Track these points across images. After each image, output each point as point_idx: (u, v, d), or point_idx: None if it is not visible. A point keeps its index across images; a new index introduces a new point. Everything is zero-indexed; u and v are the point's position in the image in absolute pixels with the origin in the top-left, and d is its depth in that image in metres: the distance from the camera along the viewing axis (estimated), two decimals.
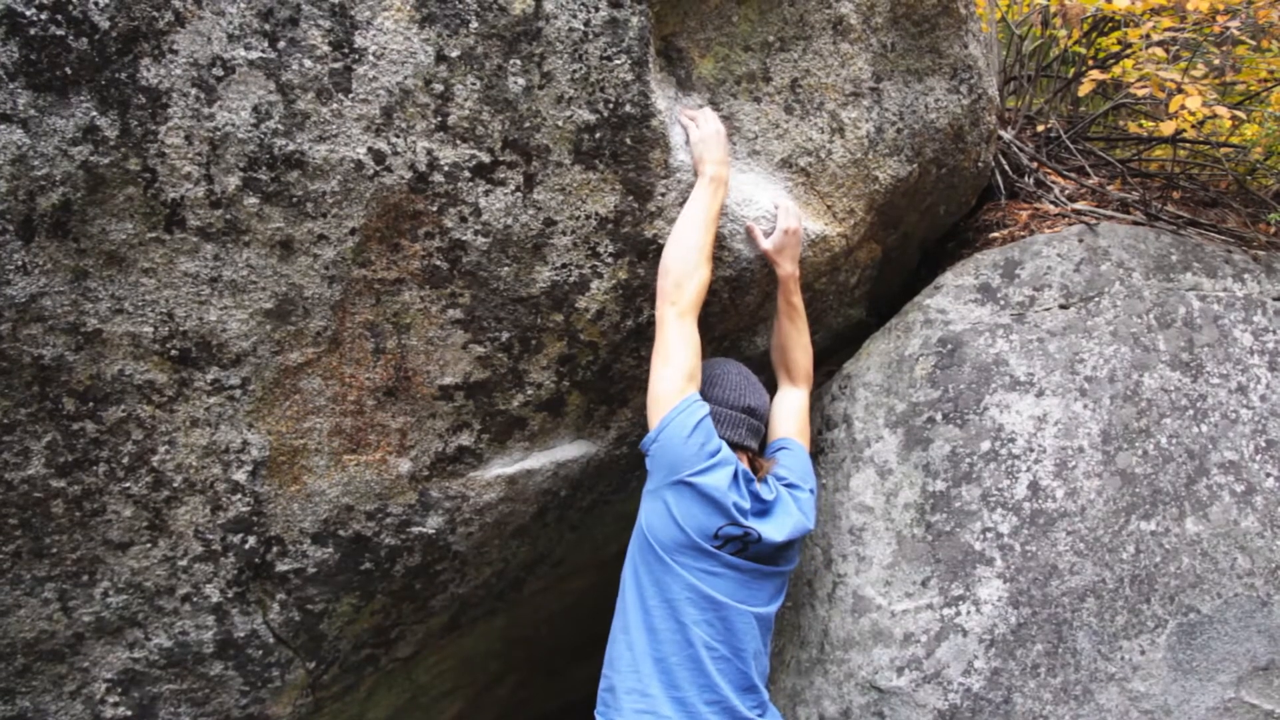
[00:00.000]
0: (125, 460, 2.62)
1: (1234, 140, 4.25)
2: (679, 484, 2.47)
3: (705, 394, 2.62)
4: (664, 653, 2.49)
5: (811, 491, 2.79)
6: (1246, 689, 2.89)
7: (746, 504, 2.52)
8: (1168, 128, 3.65)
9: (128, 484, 2.64)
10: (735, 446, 2.63)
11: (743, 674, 2.55)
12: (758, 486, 2.61)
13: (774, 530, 2.58)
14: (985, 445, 3.10)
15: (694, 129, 2.70)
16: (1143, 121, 4.83)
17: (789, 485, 2.73)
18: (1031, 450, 3.08)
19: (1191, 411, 3.11)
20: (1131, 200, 3.71)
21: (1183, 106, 3.38)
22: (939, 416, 3.16)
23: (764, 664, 2.66)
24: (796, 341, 2.98)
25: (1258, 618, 2.93)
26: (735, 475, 2.51)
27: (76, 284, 2.42)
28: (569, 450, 3.05)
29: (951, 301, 3.32)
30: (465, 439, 2.87)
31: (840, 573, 3.12)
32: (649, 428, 2.55)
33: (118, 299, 2.46)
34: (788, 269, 2.90)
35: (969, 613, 2.97)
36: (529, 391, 2.86)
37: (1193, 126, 3.93)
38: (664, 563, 2.50)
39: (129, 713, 2.89)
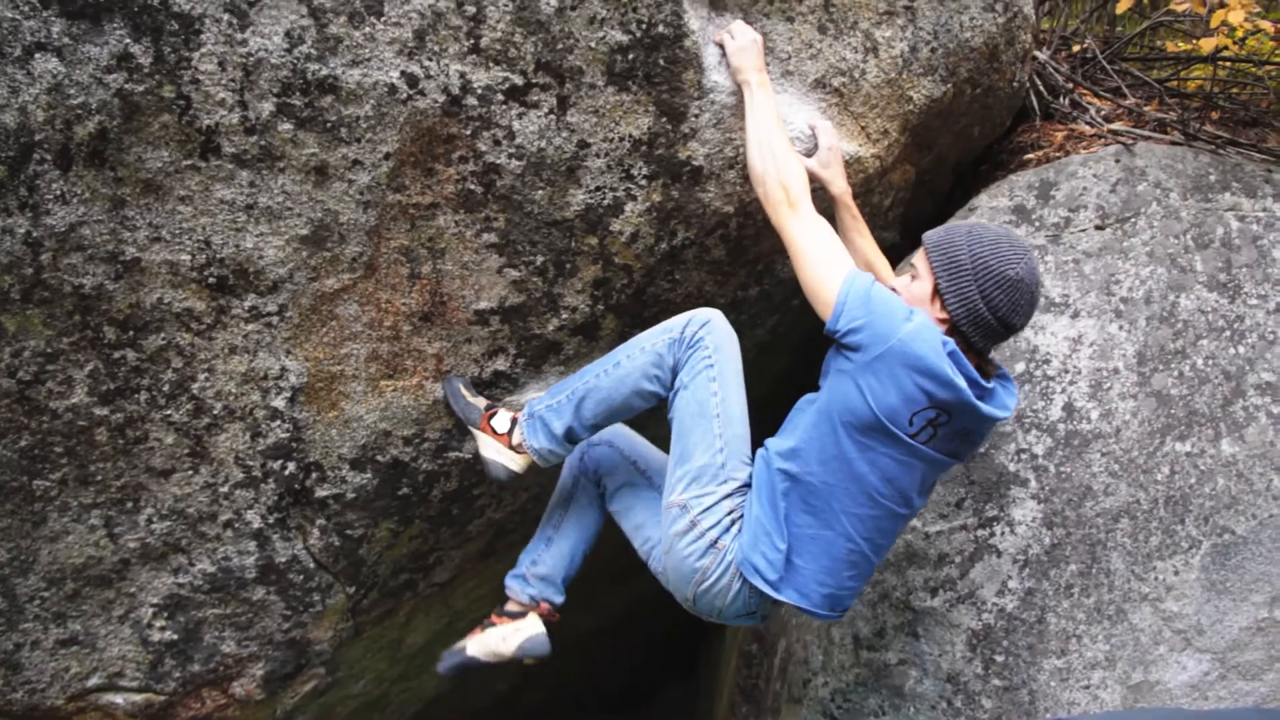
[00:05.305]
0: (166, 388, 2.65)
1: (1276, 58, 4.16)
2: (884, 355, 2.37)
3: (982, 290, 2.44)
4: (801, 524, 2.50)
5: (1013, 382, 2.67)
6: None
7: (963, 384, 2.40)
8: (1207, 45, 3.58)
9: (169, 411, 2.68)
10: (969, 349, 2.48)
11: (869, 564, 2.56)
12: (975, 373, 2.46)
13: (985, 409, 2.47)
14: (1020, 366, 3.09)
15: (730, 40, 2.66)
16: (1180, 41, 4.73)
17: (1000, 377, 2.61)
18: (1066, 371, 3.07)
19: (1228, 332, 3.09)
20: (1169, 120, 3.65)
21: (1224, 22, 3.31)
22: None
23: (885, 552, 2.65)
24: (873, 250, 2.91)
25: None
26: (947, 351, 2.39)
27: (114, 213, 2.43)
28: None
29: (986, 223, 3.29)
30: (501, 364, 2.88)
31: None
32: (822, 321, 2.46)
33: (155, 227, 2.47)
34: (841, 185, 2.85)
35: (1003, 534, 2.98)
36: (564, 315, 2.86)
37: (1234, 43, 3.84)
38: (839, 445, 2.44)
39: (175, 636, 2.95)
